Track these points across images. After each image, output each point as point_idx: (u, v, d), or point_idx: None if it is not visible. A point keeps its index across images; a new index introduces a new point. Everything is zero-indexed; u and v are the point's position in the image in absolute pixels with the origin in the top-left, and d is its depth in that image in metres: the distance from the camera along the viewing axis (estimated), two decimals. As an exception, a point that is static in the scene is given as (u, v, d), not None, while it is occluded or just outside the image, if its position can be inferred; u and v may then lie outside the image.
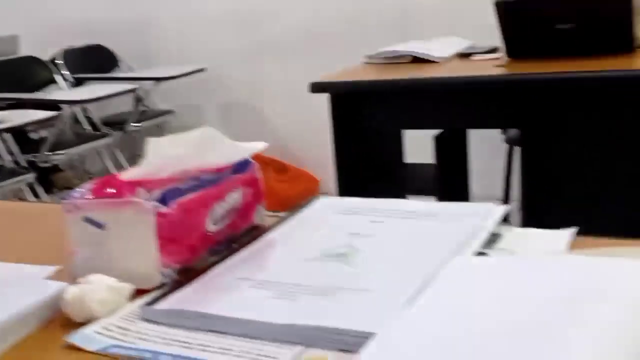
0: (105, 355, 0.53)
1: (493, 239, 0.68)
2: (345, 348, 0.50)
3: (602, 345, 0.41)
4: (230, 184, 0.70)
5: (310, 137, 3.36)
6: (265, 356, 0.50)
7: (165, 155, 0.65)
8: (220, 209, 0.68)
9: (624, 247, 0.55)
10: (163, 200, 0.62)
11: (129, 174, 0.65)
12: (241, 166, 0.73)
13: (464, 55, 2.11)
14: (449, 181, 2.09)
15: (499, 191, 2.54)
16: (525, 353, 0.42)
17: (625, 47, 1.76)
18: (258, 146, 0.73)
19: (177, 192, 0.64)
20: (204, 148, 0.68)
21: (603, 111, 1.69)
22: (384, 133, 2.25)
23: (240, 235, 0.72)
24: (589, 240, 0.64)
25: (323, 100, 1.99)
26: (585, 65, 1.70)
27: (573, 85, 1.70)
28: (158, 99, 3.69)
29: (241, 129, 3.40)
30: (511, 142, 2.35)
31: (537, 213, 1.78)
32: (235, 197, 0.70)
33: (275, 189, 3.21)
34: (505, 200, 2.52)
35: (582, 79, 1.67)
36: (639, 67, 1.73)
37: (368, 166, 2.11)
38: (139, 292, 0.62)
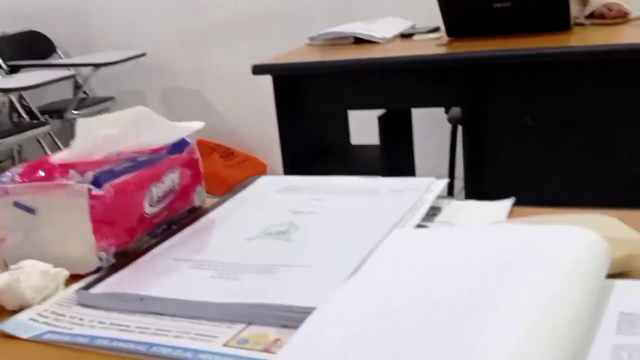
0: (40, 342, 0.51)
1: (433, 212, 0.68)
2: (287, 324, 0.49)
3: (536, 311, 0.41)
4: (167, 164, 0.68)
5: (256, 121, 3.33)
6: (205, 335, 0.50)
7: (97, 136, 0.63)
8: (157, 190, 0.67)
9: (560, 215, 0.56)
10: (96, 183, 0.61)
11: (59, 156, 0.63)
12: (178, 146, 0.72)
13: (406, 36, 2.12)
14: (394, 161, 2.11)
15: (445, 170, 2.57)
16: (461, 322, 0.42)
17: (561, 25, 1.80)
18: (194, 126, 0.72)
19: (111, 174, 0.62)
20: (137, 128, 0.66)
21: (541, 87, 1.73)
22: (329, 114, 2.25)
23: (180, 217, 0.71)
24: (528, 210, 0.65)
25: (268, 83, 1.98)
26: (523, 42, 1.73)
27: (511, 63, 1.73)
28: (98, 85, 3.60)
29: (185, 115, 3.34)
30: (454, 121, 2.38)
31: (480, 191, 1.81)
32: (173, 178, 0.69)
33: (222, 174, 3.18)
34: (451, 178, 2.55)
35: (520, 56, 1.69)
36: (575, 44, 1.76)
37: (314, 148, 2.11)
38: (75, 278, 0.60)
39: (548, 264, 0.46)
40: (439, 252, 0.52)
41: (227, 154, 3.42)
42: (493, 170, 1.80)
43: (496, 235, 0.52)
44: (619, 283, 0.48)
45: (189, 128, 0.71)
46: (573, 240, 0.48)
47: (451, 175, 2.58)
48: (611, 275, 0.49)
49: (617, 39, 1.71)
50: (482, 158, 1.82)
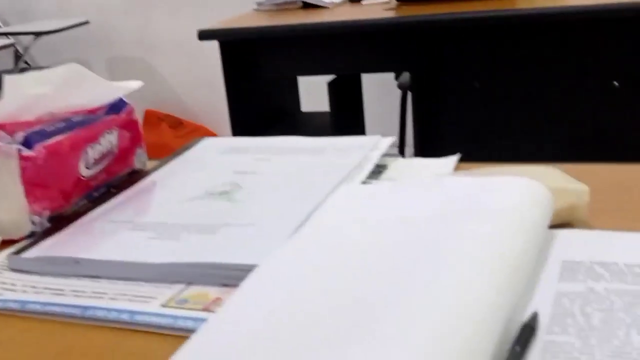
0: (-32, 310, 0.49)
1: (379, 170, 0.67)
2: (228, 283, 0.48)
3: (480, 261, 0.41)
4: (103, 125, 0.66)
5: (205, 90, 3.28)
6: (143, 297, 0.48)
7: (27, 95, 0.60)
8: (93, 152, 0.64)
9: (503, 167, 0.56)
10: (27, 143, 0.58)
11: (-14, 116, 0.60)
12: (115, 107, 0.69)
13: (354, 0, 2.10)
14: (344, 128, 2.10)
15: (395, 137, 2.57)
16: (404, 274, 0.41)
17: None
18: (132, 85, 0.69)
19: (43, 135, 0.59)
20: (71, 87, 0.63)
21: (489, 51, 1.73)
22: (278, 81, 2.22)
23: (120, 180, 0.69)
24: (473, 165, 0.64)
25: (215, 51, 1.94)
26: (471, 6, 1.73)
27: (459, 27, 1.73)
28: (40, 55, 3.48)
29: (132, 85, 3.27)
30: (404, 87, 2.37)
31: (430, 156, 1.81)
32: (110, 140, 0.66)
33: (171, 145, 3.13)
34: (402, 145, 2.55)
35: (467, 19, 1.69)
36: (522, 7, 1.77)
37: (264, 116, 2.08)
38: (7, 243, 0.57)
39: (491, 214, 0.45)
40: (383, 206, 0.51)
41: (176, 124, 3.37)
42: (442, 136, 1.80)
43: (440, 187, 0.51)
44: (561, 233, 0.48)
45: (126, 87, 0.69)
46: (516, 190, 0.48)
47: (402, 141, 2.58)
48: (554, 226, 0.49)
49: (563, 1, 1.72)
50: (431, 123, 1.82)
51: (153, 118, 3.32)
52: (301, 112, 2.39)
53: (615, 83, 1.66)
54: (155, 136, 3.21)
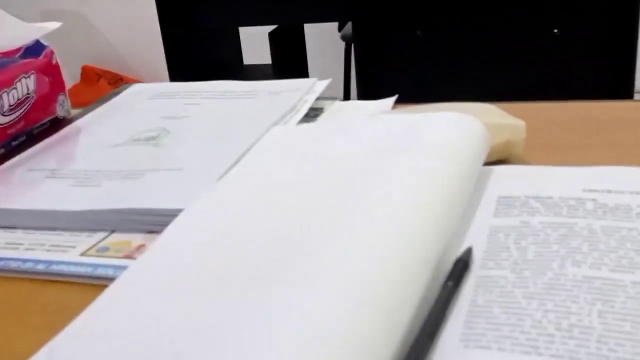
0: None
1: (315, 113, 0.65)
2: (153, 229, 0.45)
3: (410, 195, 0.39)
4: (19, 69, 0.61)
5: (144, 45, 3.17)
6: (61, 246, 0.45)
7: None
8: (9, 97, 0.60)
9: (438, 104, 0.54)
10: None
11: None
12: (33, 50, 0.64)
13: (295, -52, 2.04)
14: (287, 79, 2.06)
15: (340, 90, 2.55)
16: (334, 210, 0.39)
17: None
18: (50, 26, 0.64)
19: (-50, 77, 0.55)
20: (-20, 26, 0.58)
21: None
22: (219, 33, 2.16)
23: (41, 128, 0.65)
24: (411, 105, 0.62)
25: (152, 2, 1.86)
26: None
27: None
28: (-32, 9, 3.31)
29: (68, 40, 3.15)
30: (347, 39, 2.34)
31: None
32: (27, 84, 0.62)
33: (111, 102, 3.03)
34: (346, 98, 2.53)
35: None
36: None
37: (204, 69, 2.03)
38: None
39: (425, 148, 0.44)
40: (313, 145, 0.49)
41: (116, 80, 3.26)
42: (385, 86, 1.79)
43: (373, 124, 0.49)
44: (497, 169, 0.47)
45: (43, 28, 0.64)
46: (451, 125, 0.46)
47: (346, 95, 2.56)
48: (491, 162, 0.48)
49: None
50: (374, 74, 1.80)
51: (91, 74, 3.21)
52: (243, 64, 2.33)
53: (556, 31, 1.66)
54: (94, 93, 3.11)
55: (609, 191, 0.42)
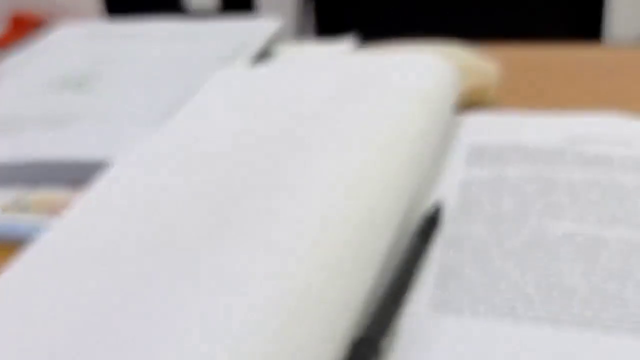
0: None
1: (265, 55, 0.59)
2: (80, 183, 0.40)
3: (373, 142, 0.35)
4: None
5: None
6: (-27, 203, 0.39)
7: None
8: None
9: (403, 46, 0.49)
10: None
11: None
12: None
13: None
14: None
15: (284, 20, 2.46)
16: (288, 159, 0.34)
17: None
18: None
19: None
20: None
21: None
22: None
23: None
24: (374, 46, 0.57)
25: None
26: None
27: None
28: None
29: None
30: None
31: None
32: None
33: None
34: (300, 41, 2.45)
35: None
36: None
37: (144, 15, 1.93)
38: None
39: (390, 92, 0.39)
40: (266, 90, 0.44)
41: (47, 25, 3.11)
42: (345, 26, 1.73)
43: (333, 67, 0.44)
44: (469, 116, 0.43)
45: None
46: (418, 68, 0.42)
47: (301, 37, 2.48)
48: (461, 108, 0.44)
49: None
50: (333, 12, 1.74)
51: (22, 20, 3.06)
52: (188, 9, 2.23)
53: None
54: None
55: (589, 141, 0.39)
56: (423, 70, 0.41)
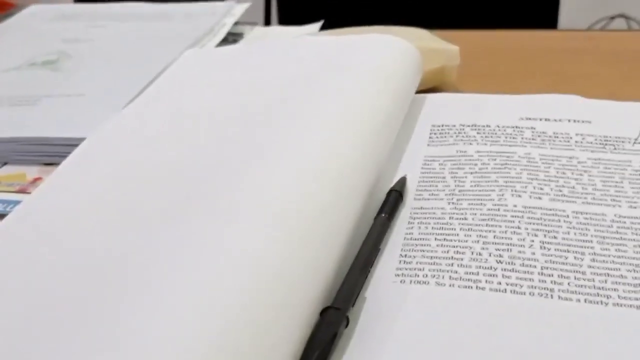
0: None
1: (234, 39, 0.60)
2: (50, 161, 0.40)
3: (339, 120, 0.35)
4: None
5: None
6: (-58, 180, 0.39)
7: None
8: None
9: (367, 27, 0.50)
10: None
11: None
12: None
13: None
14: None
15: (260, 18, 2.45)
16: (253, 137, 0.35)
17: None
18: None
19: None
20: None
21: None
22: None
23: None
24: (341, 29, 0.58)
25: None
26: None
27: None
28: None
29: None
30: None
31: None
32: None
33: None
34: (267, 23, 2.44)
35: None
36: None
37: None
38: None
39: (355, 72, 0.40)
40: (232, 69, 0.44)
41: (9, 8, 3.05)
42: (310, 10, 1.73)
43: (298, 47, 0.45)
44: (431, 96, 0.44)
45: None
46: (383, 48, 0.43)
47: (267, 21, 2.47)
48: (423, 90, 0.45)
49: None
50: (294, 11, 1.74)
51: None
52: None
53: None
54: None
55: (547, 119, 0.40)
56: (388, 50, 0.42)
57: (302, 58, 0.43)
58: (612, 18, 1.60)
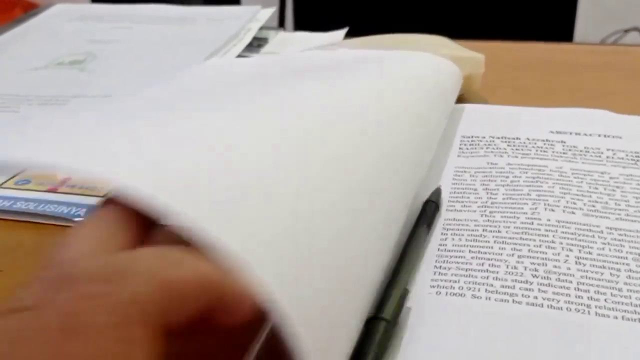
0: None
1: (259, 43, 0.60)
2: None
3: (387, 129, 0.35)
4: None
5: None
6: (-27, 177, 0.39)
7: None
8: None
9: (390, 35, 0.50)
10: None
11: None
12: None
13: None
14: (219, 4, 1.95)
15: (274, 21, 2.45)
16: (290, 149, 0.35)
17: None
18: None
19: None
20: None
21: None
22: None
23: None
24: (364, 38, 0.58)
25: None
26: None
27: None
28: None
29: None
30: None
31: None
32: None
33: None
34: (282, 20, 2.43)
35: None
36: None
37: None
38: None
39: (399, 84, 0.39)
40: (261, 79, 0.44)
41: (32, 8, 3.07)
42: (325, 9, 1.73)
43: (336, 58, 0.45)
44: (458, 107, 0.44)
45: None
46: (427, 65, 0.42)
47: (282, 16, 2.46)
48: (450, 99, 0.45)
49: None
50: (309, 16, 1.74)
51: (5, 2, 3.01)
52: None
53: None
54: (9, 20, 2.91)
55: (577, 133, 0.40)
56: (431, 67, 0.42)
57: (339, 71, 0.42)
58: (626, 31, 1.60)
